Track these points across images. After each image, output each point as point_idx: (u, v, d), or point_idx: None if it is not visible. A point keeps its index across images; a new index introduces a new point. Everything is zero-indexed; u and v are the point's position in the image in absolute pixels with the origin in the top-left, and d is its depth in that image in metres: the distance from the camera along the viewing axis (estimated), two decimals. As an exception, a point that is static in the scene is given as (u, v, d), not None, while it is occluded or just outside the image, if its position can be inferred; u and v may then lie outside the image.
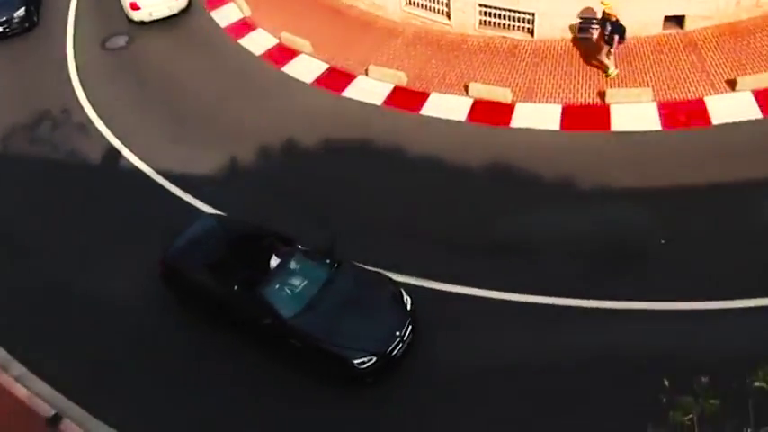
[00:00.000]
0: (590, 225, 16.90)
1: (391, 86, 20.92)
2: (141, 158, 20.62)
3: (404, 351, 14.29)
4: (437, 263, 16.22)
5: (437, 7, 21.91)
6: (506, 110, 19.50)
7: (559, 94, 19.56)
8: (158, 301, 16.41)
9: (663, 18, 20.50)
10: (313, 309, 14.32)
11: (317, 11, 24.10)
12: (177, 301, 16.19)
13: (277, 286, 14.64)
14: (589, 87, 19.60)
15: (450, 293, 15.69)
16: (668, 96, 19.19)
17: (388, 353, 14.00)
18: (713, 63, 19.83)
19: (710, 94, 19.17)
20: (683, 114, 18.79)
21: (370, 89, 21.08)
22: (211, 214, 17.64)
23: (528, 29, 21.07)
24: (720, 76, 19.54)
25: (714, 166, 17.67)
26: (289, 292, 14.62)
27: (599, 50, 19.96)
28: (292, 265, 14.97)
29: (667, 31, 20.66)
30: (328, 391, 14.34)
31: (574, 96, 19.44)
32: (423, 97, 20.37)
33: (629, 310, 15.05)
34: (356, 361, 13.82)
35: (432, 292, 15.74)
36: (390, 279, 15.32)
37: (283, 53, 23.13)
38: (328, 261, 15.11)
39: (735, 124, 18.59)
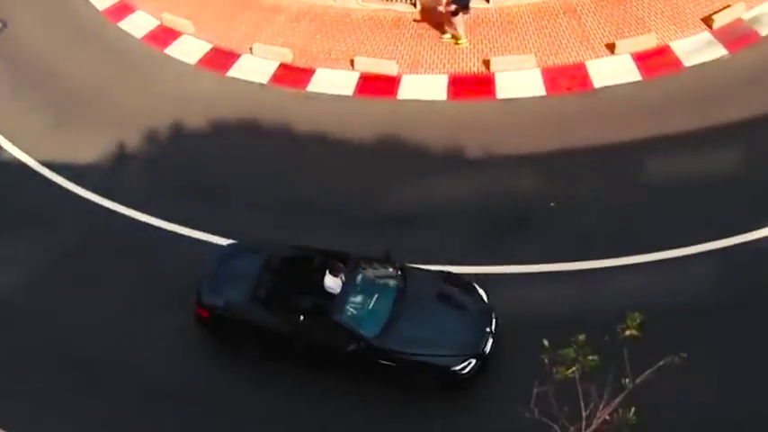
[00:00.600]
0: (480, 192, 17.16)
1: (276, 64, 20.65)
2: (21, 148, 19.85)
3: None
4: (328, 237, 16.13)
5: (319, -18, 21.72)
6: (393, 82, 19.50)
7: (445, 64, 19.66)
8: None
9: (542, -15, 20.74)
10: (395, 323, 13.30)
11: (198, -10, 23.56)
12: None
13: (351, 308, 13.48)
14: (474, 56, 19.76)
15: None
16: (551, 62, 19.52)
17: (484, 352, 13.38)
18: (593, 28, 20.25)
19: (591, 59, 19.58)
20: (566, 79, 19.16)
21: (255, 68, 20.76)
22: (235, 243, 15.72)
23: (411, 0, 21.04)
24: (600, 40, 19.97)
25: (597, 127, 18.15)
26: (364, 311, 13.51)
27: (449, 21, 20.04)
28: (358, 280, 13.81)
29: (548, -1, 20.95)
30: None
31: (459, 66, 19.57)
32: (309, 73, 20.17)
33: (518, 273, 15.30)
34: (457, 368, 13.12)
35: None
36: (455, 274, 14.63)
37: (165, 34, 22.54)
38: (391, 268, 14.14)
39: (615, 86, 19.03)
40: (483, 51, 19.85)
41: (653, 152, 17.63)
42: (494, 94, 18.97)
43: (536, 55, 19.62)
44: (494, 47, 19.96)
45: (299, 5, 21.93)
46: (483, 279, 15.07)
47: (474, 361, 13.15)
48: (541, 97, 18.92)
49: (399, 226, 16.56)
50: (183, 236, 16.99)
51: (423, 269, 14.58)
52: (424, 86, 19.22)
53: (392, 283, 13.85)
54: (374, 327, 13.20)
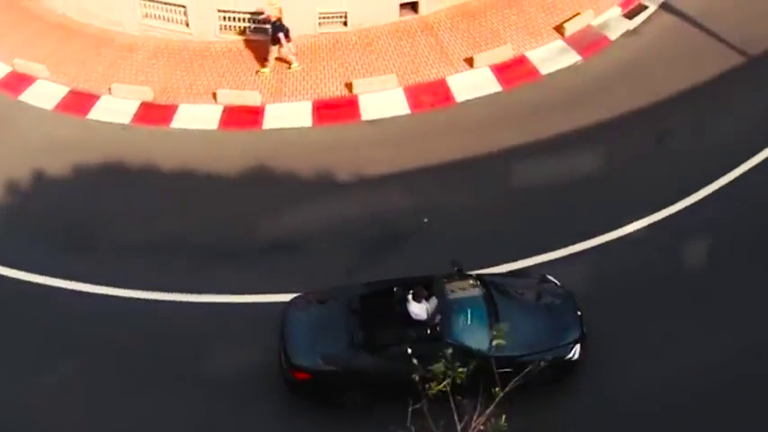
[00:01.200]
0: (355, 213, 17.37)
1: (138, 103, 20.28)
2: None
3: None
4: (206, 275, 15.96)
5: (176, 17, 21.48)
6: (257, 112, 19.49)
7: (308, 90, 19.78)
8: None
9: (398, 5, 21.17)
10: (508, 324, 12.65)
11: (50, 33, 22.90)
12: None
13: (457, 329, 13.22)
14: (336, 80, 19.95)
15: (228, 304, 15.61)
16: (413, 80, 19.92)
17: (584, 334, 13.69)
18: (450, 44, 20.78)
19: (452, 74, 20.07)
20: (429, 95, 19.58)
21: (116, 108, 20.32)
22: (299, 296, 14.81)
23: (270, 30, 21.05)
24: (459, 55, 20.52)
25: (462, 140, 18.63)
26: (467, 326, 13.29)
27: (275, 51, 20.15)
28: (451, 299, 13.62)
29: (404, 18, 21.37)
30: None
31: (322, 91, 19.74)
32: (171, 110, 19.91)
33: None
34: (569, 355, 13.45)
35: (209, 306, 15.62)
36: (522, 271, 15.14)
37: (18, 81, 21.77)
38: (471, 280, 14.02)
39: (477, 99, 19.57)
40: (345, 74, 20.06)
41: (518, 159, 18.23)
42: (359, 116, 19.21)
43: (398, 74, 19.98)
44: (355, 69, 20.20)
45: (155, 42, 21.64)
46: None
47: (579, 344, 13.51)
48: (406, 115, 19.29)
49: (278, 254, 16.60)
50: (52, 287, 16.43)
51: (493, 274, 14.86)
52: (289, 114, 19.28)
53: (477, 293, 13.82)
54: (483, 339, 13.06)
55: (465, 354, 12.42)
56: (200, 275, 16.08)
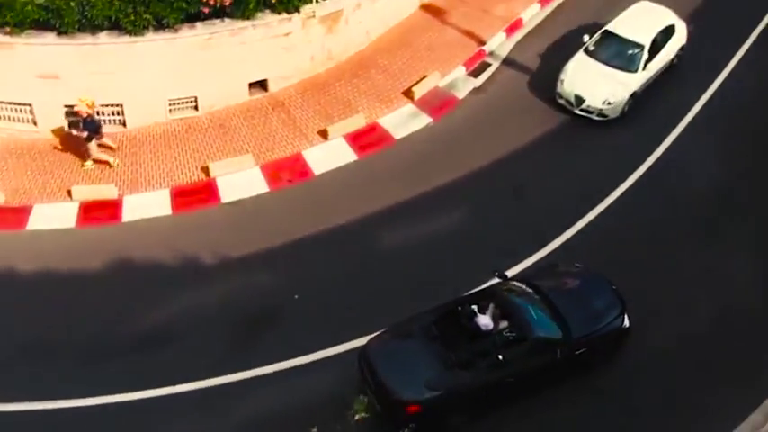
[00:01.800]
0: (223, 297, 17.44)
1: (-13, 208, 19.82)
2: None
3: None
4: (70, 379, 15.72)
5: (21, 116, 21.25)
6: (115, 206, 19.37)
7: (165, 178, 19.84)
8: None
9: (247, 85, 21.60)
10: (564, 317, 15.15)
11: None
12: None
13: (534, 325, 14.88)
14: (192, 165, 20.12)
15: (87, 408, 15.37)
16: (269, 158, 20.29)
17: (625, 303, 15.78)
18: (303, 118, 21.38)
19: (307, 148, 20.59)
20: (286, 172, 20.03)
21: (-36, 217, 19.78)
22: (376, 335, 15.48)
23: (119, 120, 21.15)
24: (312, 128, 21.13)
25: (325, 212, 19.16)
26: (541, 321, 14.97)
27: (86, 147, 20.15)
28: (515, 302, 15.28)
29: (255, 97, 21.84)
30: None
31: (179, 177, 19.85)
32: (26, 212, 19.52)
33: (267, 374, 15.68)
34: (625, 324, 15.71)
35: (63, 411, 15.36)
36: (548, 264, 17.47)
37: None
38: (516, 282, 16.15)
39: (334, 170, 20.13)
40: (200, 159, 20.28)
41: (380, 224, 18.89)
42: (218, 199, 19.42)
43: (253, 153, 20.35)
44: (211, 152, 20.46)
45: (2, 143, 21.29)
46: (239, 385, 15.44)
47: (625, 313, 15.69)
48: (265, 194, 19.67)
49: (149, 347, 16.50)
50: None
51: (528, 274, 16.90)
52: (147, 204, 19.28)
53: (527, 289, 15.74)
54: (554, 328, 15.03)
55: (550, 343, 14.75)
56: (70, 379, 15.78)
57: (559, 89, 22.05)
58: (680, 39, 23.31)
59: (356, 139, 20.94)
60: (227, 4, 20.25)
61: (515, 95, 22.85)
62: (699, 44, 23.87)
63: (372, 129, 21.36)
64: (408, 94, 22.34)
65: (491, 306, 15.20)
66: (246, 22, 20.75)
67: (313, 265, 18.21)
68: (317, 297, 17.49)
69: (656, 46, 22.41)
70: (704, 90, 22.87)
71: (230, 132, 20.95)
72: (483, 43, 24.21)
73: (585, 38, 22.76)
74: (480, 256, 18.06)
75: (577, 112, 21.86)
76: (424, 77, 22.74)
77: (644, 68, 22.09)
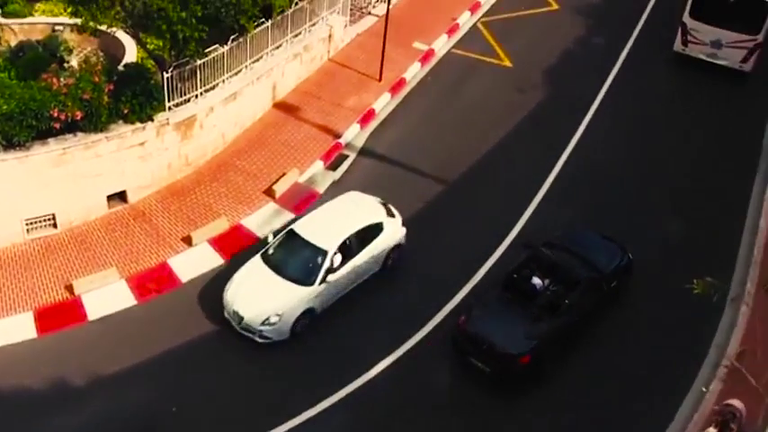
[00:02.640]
0: (98, 420, 17.29)
1: None
2: None
3: None
4: None
5: None
6: (-27, 334, 18.98)
7: (27, 301, 19.66)
8: None
9: (106, 198, 21.82)
10: (593, 260, 19.76)
11: None
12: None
13: (581, 270, 19.38)
14: (55, 284, 20.05)
15: None
16: (134, 270, 20.48)
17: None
18: (166, 226, 21.76)
19: (172, 256, 20.89)
20: (153, 282, 20.22)
21: None
22: (462, 315, 19.05)
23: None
24: (176, 236, 21.53)
25: (196, 321, 19.30)
26: (582, 266, 19.55)
27: None
28: (559, 259, 19.65)
29: (114, 209, 22.09)
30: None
31: (42, 298, 19.72)
32: None
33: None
34: (630, 261, 20.61)
35: None
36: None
37: None
38: (551, 248, 20.20)
39: (203, 275, 20.49)
40: (63, 277, 20.25)
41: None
42: (85, 317, 19.43)
43: (118, 267, 20.50)
44: (73, 269, 20.48)
45: None
46: None
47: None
48: (133, 306, 19.82)
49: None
50: None
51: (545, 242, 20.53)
52: (10, 329, 19.00)
53: (556, 250, 20.11)
54: (592, 269, 19.60)
55: (594, 280, 19.39)
56: None
57: (224, 301, 19.30)
58: (389, 238, 20.74)
59: (221, 243, 21.47)
60: (78, 118, 20.58)
61: (375, 184, 23.97)
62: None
63: (236, 230, 21.90)
64: (269, 192, 23.10)
65: (536, 268, 19.40)
66: (100, 135, 21.13)
67: (188, 373, 18.41)
68: (195, 409, 17.70)
69: (349, 251, 19.72)
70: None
71: (92, 247, 21.07)
72: (338, 136, 25.41)
73: (270, 237, 20.29)
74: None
75: (240, 331, 18.97)
76: (284, 175, 23.60)
77: (323, 281, 19.15)
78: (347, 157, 25.14)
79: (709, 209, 23.56)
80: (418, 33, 31.02)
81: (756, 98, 28.79)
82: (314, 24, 27.79)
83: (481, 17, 33.11)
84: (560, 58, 30.59)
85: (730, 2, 28.51)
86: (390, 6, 27.75)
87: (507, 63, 30.07)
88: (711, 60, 29.81)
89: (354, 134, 25.87)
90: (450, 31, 31.66)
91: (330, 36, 28.78)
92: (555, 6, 34.19)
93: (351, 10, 30.69)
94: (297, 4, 26.06)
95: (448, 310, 20.11)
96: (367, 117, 26.57)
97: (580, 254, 19.79)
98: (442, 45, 30.85)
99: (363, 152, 25.39)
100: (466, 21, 32.63)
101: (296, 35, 26.90)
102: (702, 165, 25.48)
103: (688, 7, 29.57)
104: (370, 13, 31.85)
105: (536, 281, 19.15)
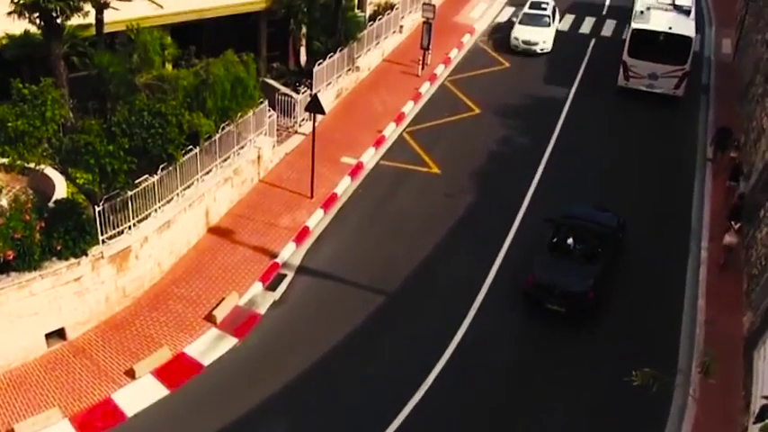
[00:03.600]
0: None
1: None
2: None
3: None
4: None
5: None
6: None
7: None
8: None
9: (44, 336, 21.90)
10: (602, 220, 26.86)
11: None
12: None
13: (605, 225, 26.47)
14: (-4, 431, 19.87)
15: None
16: (78, 407, 20.48)
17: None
18: (107, 360, 21.89)
19: (116, 390, 20.99)
20: (98, 419, 20.24)
21: None
22: (532, 275, 24.64)
23: None
24: (118, 369, 21.65)
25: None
26: (602, 225, 26.58)
27: None
28: (584, 221, 26.53)
29: (53, 347, 22.16)
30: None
31: (-19, 448, 19.47)
32: None
33: None
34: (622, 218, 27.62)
35: None
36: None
37: None
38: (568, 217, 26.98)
39: (148, 408, 20.60)
40: (4, 422, 20.11)
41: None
42: (30, 462, 19.18)
43: (60, 406, 20.46)
44: (15, 413, 20.34)
45: None
46: None
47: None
48: (79, 446, 19.64)
49: None
50: None
51: (559, 217, 26.94)
52: (-51, 483, 18.71)
53: (573, 218, 26.83)
54: (609, 225, 26.74)
55: (614, 230, 26.40)
56: None
57: None
58: None
59: (165, 373, 21.65)
60: (10, 258, 20.83)
61: (316, 299, 24.71)
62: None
63: (180, 359, 22.11)
64: (210, 318, 23.46)
65: (569, 232, 25.68)
66: (34, 273, 21.38)
67: None
68: None
69: None
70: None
71: (33, 388, 21.01)
72: (275, 256, 26.05)
73: None
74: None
75: None
76: (223, 299, 24.03)
77: None
78: (285, 276, 25.72)
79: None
80: (346, 148, 32.27)
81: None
82: (242, 147, 28.77)
83: (406, 127, 34.66)
84: (487, 159, 32.25)
85: (660, 40, 36.70)
86: (316, 124, 28.89)
87: (435, 170, 31.40)
88: (650, 90, 37.55)
89: (291, 253, 26.55)
90: (377, 144, 33.00)
91: (259, 157, 29.77)
92: (477, 110, 35.99)
93: (278, 130, 31.88)
94: (223, 128, 26.99)
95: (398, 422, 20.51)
96: (302, 235, 27.34)
97: (592, 218, 26.60)
98: (370, 158, 32.11)
99: (301, 270, 26.03)
100: (392, 132, 34.12)
101: (225, 159, 27.80)
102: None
103: (626, 48, 37.55)
104: (297, 132, 33.06)
105: (569, 241, 25.20)
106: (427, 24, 38.98)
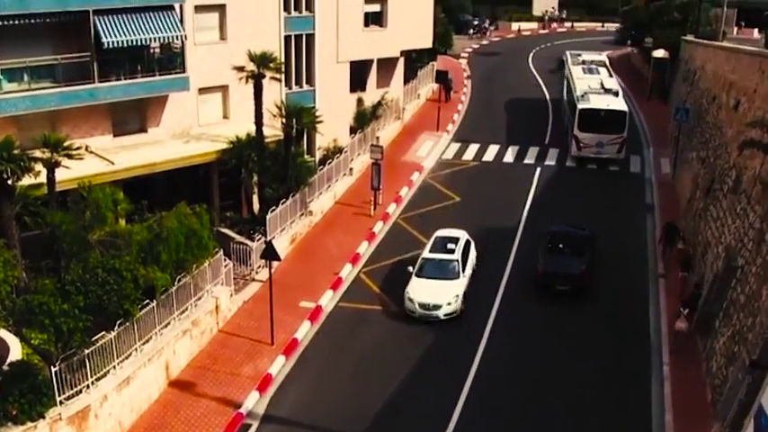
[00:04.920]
0: None
1: None
2: None
3: None
4: None
5: None
6: None
7: None
8: None
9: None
10: (580, 231, 36.05)
11: None
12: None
13: (585, 232, 35.73)
14: None
15: None
16: None
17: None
18: None
19: None
20: None
21: None
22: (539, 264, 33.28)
23: None
24: None
25: None
26: (582, 232, 35.93)
27: None
28: (571, 230, 36.22)
29: None
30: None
31: None
32: None
33: None
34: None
35: None
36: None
37: None
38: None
39: None
40: None
41: None
42: None
43: None
44: None
45: None
46: None
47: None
48: None
49: None
50: None
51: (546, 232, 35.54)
52: None
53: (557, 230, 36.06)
54: (587, 234, 35.70)
55: (592, 237, 35.20)
56: None
57: None
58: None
59: None
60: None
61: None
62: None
63: None
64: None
65: (559, 239, 34.52)
66: (-11, 439, 20.82)
67: None
68: None
69: None
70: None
71: None
72: (239, 406, 25.68)
73: None
74: None
75: None
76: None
77: None
78: (250, 426, 25.30)
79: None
80: (304, 292, 32.35)
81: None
82: (199, 298, 28.76)
83: (362, 267, 34.92)
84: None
85: (602, 115, 46.37)
86: (273, 270, 29.03)
87: (394, 308, 31.41)
88: (598, 156, 47.07)
89: (255, 402, 26.18)
90: (335, 286, 33.15)
91: (217, 307, 29.71)
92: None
93: (235, 278, 31.96)
94: (179, 280, 27.01)
95: None
96: (265, 383, 27.03)
97: (574, 230, 35.58)
98: (328, 300, 32.18)
99: (266, 419, 25.63)
100: (348, 273, 34.32)
101: (183, 311, 27.74)
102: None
103: (576, 124, 46.91)
104: (254, 280, 33.16)
105: (561, 245, 33.75)
106: (376, 165, 39.97)
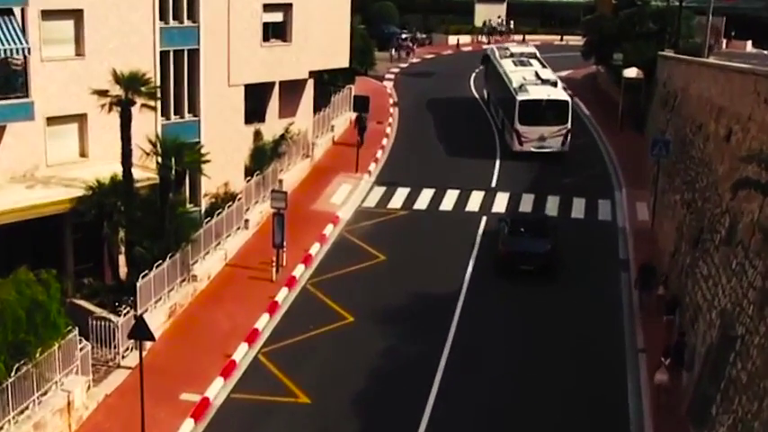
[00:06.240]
0: None
1: None
2: None
3: None
4: None
5: None
6: None
7: None
8: None
9: None
10: (542, 216, 47.28)
11: None
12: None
13: (545, 215, 47.26)
14: None
15: None
16: None
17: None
18: None
19: None
20: None
21: None
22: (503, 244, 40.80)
23: None
24: None
25: None
26: (544, 216, 47.20)
27: None
28: (533, 216, 47.44)
29: None
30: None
31: None
32: None
33: None
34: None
35: None
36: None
37: None
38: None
39: None
40: None
41: None
42: None
43: None
44: None
45: None
46: None
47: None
48: None
49: None
50: None
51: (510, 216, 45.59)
52: None
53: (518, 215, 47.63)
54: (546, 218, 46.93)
55: (549, 222, 44.65)
56: None
57: None
58: None
59: None
60: None
61: None
62: None
63: None
64: None
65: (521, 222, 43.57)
66: None
67: None
68: None
69: None
70: None
71: None
72: None
73: None
74: None
75: None
76: None
77: None
78: None
79: None
80: (186, 381, 31.33)
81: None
82: (45, 393, 27.57)
83: (262, 347, 34.12)
84: (368, 379, 31.57)
85: (543, 106, 54.44)
86: (144, 353, 28.04)
87: (304, 399, 30.69)
88: (541, 150, 54.81)
89: None
90: (226, 372, 32.22)
91: (69, 404, 28.48)
92: (350, 318, 35.90)
93: (94, 365, 30.84)
94: (18, 369, 25.87)
95: None
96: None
97: (535, 216, 45.57)
98: (217, 391, 31.20)
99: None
100: (244, 355, 33.48)
101: (21, 411, 26.50)
102: None
103: (516, 117, 54.51)
104: (119, 366, 32.07)
105: (522, 229, 41.71)
106: (279, 216, 39.43)
